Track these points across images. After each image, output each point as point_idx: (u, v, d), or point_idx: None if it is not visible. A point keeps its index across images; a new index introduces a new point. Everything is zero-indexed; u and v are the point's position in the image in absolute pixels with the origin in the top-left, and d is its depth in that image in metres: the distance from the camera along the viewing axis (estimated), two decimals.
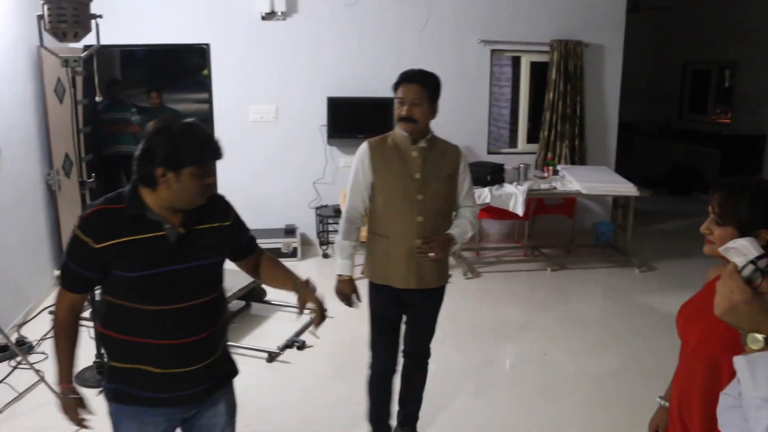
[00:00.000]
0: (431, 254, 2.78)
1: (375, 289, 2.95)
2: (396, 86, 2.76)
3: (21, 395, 3.68)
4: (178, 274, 1.88)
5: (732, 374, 1.29)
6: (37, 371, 3.62)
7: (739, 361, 1.24)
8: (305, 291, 2.13)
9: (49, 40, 3.80)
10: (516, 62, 7.14)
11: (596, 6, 6.87)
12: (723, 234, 1.59)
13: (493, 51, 6.80)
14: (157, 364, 1.91)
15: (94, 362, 3.97)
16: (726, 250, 1.34)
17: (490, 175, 5.97)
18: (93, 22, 3.76)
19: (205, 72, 6.54)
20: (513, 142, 7.61)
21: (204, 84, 6.65)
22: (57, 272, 5.52)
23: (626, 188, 6.03)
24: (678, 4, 9.23)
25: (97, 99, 7.37)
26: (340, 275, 2.95)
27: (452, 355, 4.33)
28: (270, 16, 6.26)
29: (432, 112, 2.78)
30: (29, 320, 4.83)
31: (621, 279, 6.07)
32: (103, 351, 3.59)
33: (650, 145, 9.98)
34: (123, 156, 7.23)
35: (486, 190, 5.84)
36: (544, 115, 6.94)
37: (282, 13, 6.26)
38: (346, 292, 2.95)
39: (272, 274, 2.24)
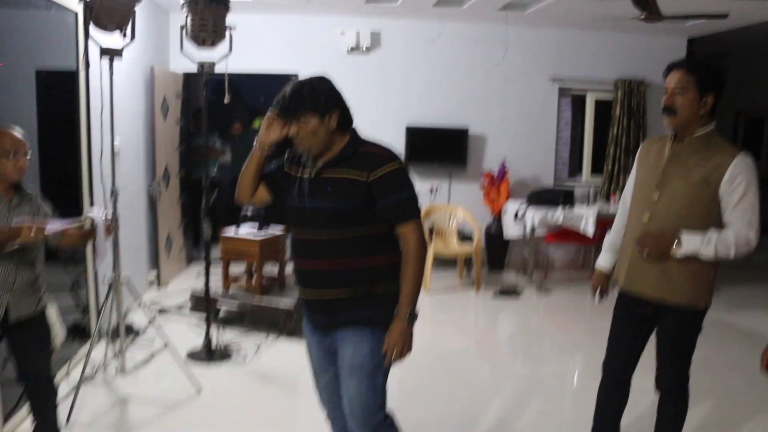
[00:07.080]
0: (645, 252, 2.47)
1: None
2: (664, 77, 2.52)
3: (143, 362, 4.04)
4: (304, 210, 2.23)
5: None
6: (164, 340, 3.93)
7: None
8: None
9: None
10: (576, 103, 7.45)
11: (658, 49, 7.25)
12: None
13: (561, 89, 7.23)
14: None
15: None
16: None
17: (562, 197, 6.28)
18: (227, 32, 4.24)
19: None
20: (572, 174, 7.80)
21: None
22: (151, 276, 5.91)
23: None
24: (732, 52, 9.52)
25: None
26: (596, 267, 2.88)
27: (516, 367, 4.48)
28: (355, 50, 6.77)
29: (701, 105, 2.41)
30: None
31: None
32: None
33: None
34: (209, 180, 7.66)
35: (558, 210, 6.12)
36: (608, 149, 7.24)
37: (366, 48, 6.77)
38: (594, 285, 2.87)
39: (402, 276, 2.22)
